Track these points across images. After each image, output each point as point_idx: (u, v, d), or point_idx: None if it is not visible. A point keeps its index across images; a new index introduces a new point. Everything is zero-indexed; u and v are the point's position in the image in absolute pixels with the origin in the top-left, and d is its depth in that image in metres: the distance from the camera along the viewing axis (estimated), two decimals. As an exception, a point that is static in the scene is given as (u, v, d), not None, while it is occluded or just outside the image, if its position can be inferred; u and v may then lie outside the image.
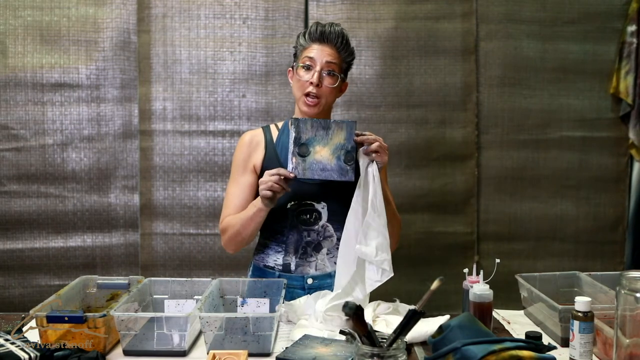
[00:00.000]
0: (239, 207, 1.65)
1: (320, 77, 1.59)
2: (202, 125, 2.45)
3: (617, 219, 2.55)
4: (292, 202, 1.64)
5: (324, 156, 1.48)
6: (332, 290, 1.62)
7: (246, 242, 1.66)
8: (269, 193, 1.49)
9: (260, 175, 1.64)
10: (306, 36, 1.63)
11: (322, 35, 1.61)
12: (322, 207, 1.65)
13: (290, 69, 1.69)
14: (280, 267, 1.67)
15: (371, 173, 1.49)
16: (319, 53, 1.60)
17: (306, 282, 1.66)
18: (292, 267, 1.66)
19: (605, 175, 2.53)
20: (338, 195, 1.61)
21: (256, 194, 1.62)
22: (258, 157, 1.68)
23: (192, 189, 2.46)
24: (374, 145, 1.48)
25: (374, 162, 1.50)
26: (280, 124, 1.74)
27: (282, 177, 1.48)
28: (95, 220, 2.46)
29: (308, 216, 1.65)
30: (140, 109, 2.42)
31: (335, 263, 1.65)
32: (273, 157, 1.66)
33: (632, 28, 2.45)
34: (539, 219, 2.53)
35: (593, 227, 2.54)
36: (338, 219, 1.64)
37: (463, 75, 2.47)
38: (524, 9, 2.46)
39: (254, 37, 2.44)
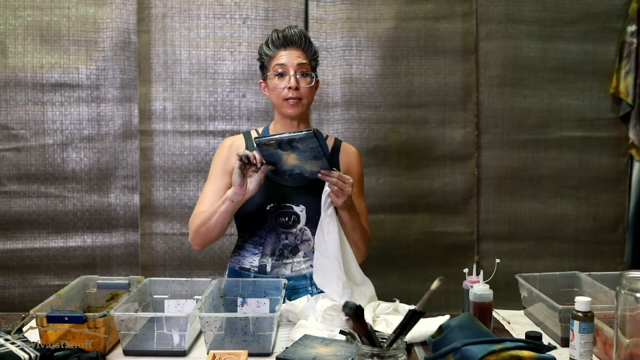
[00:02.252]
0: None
1: (296, 80, 1.60)
2: (202, 125, 2.45)
3: (617, 219, 2.55)
4: (272, 204, 1.64)
5: (294, 162, 1.48)
6: (308, 291, 1.63)
7: (209, 235, 1.61)
8: (238, 163, 1.48)
9: None
10: (270, 45, 1.64)
11: (286, 39, 1.62)
12: (300, 210, 1.65)
13: (262, 81, 1.70)
14: (256, 269, 1.66)
15: (330, 213, 1.52)
16: (288, 57, 1.61)
17: None
18: (268, 268, 1.66)
19: (605, 175, 2.53)
20: (317, 199, 1.59)
21: None
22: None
23: (192, 189, 2.46)
24: (333, 188, 1.48)
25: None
26: (260, 129, 1.76)
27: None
28: (95, 220, 2.46)
29: (287, 219, 1.65)
30: (140, 109, 2.42)
31: (311, 266, 1.65)
32: None
33: (632, 28, 2.45)
34: (539, 219, 2.53)
35: (593, 227, 2.54)
36: (316, 223, 1.63)
37: (463, 75, 2.47)
38: (524, 9, 2.46)
39: (254, 37, 2.43)
